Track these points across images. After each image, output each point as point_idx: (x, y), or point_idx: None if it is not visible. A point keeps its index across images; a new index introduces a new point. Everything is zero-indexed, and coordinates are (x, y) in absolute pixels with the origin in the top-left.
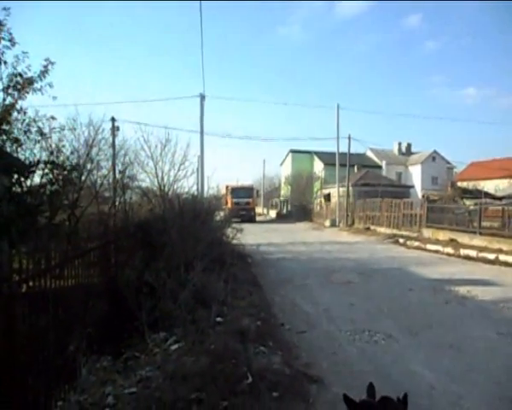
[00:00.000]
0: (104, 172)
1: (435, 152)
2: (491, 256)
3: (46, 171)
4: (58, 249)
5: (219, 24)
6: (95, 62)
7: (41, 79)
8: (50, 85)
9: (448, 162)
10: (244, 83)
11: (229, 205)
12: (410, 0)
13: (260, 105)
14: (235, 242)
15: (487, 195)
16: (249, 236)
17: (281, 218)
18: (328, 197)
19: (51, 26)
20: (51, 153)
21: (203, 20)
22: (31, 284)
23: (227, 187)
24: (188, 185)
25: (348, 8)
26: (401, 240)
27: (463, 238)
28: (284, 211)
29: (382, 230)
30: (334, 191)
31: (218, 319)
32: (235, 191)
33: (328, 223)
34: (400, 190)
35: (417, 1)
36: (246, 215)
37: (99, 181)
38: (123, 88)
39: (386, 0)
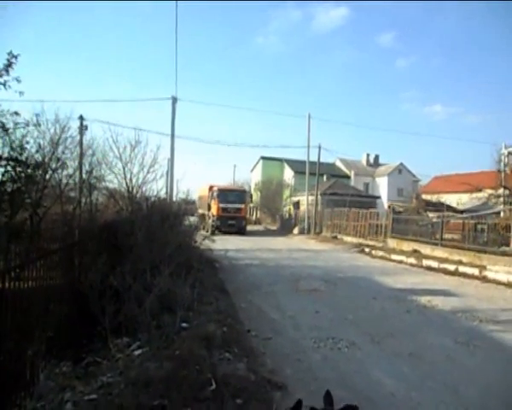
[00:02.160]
0: (70, 171)
1: (401, 165)
2: (452, 267)
3: (8, 168)
4: (18, 250)
5: (196, 29)
6: (70, 62)
7: (6, 74)
8: (18, 80)
9: (413, 175)
10: (219, 89)
11: (215, 211)
12: (384, 18)
13: (232, 111)
14: (203, 247)
15: (449, 208)
16: (217, 241)
17: (250, 224)
18: (297, 205)
19: (28, 26)
20: (14, 149)
21: (180, 23)
22: None
23: (211, 188)
24: (157, 188)
25: (324, 24)
26: (367, 249)
27: (426, 249)
28: (253, 217)
29: (349, 239)
30: (304, 199)
31: (184, 324)
32: (224, 194)
33: (296, 230)
34: (367, 200)
35: (391, 19)
36: (236, 225)
37: (64, 180)
38: (98, 91)
39: (361, 15)
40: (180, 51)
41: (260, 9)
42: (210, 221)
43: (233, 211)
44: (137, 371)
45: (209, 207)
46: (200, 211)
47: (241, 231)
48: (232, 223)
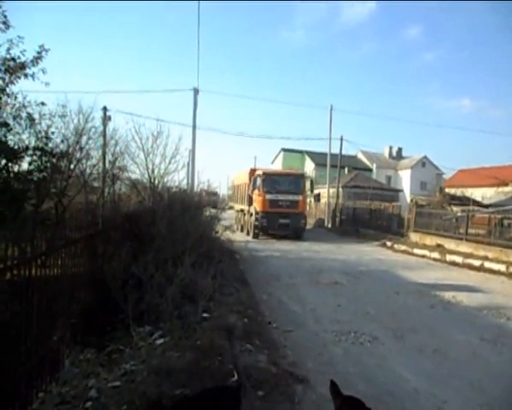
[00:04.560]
0: (94, 161)
1: (425, 157)
2: (477, 263)
3: (34, 157)
4: (44, 238)
5: (219, 22)
6: (94, 54)
7: (34, 65)
8: (43, 71)
9: (437, 168)
10: (241, 80)
11: (260, 206)
12: (412, 11)
13: (254, 102)
14: (223, 238)
15: (475, 202)
16: (238, 232)
17: None
18: (317, 198)
19: (51, 19)
20: (40, 139)
21: (203, 15)
22: (15, 271)
23: (253, 172)
24: (178, 179)
25: (351, 16)
26: (389, 243)
27: (450, 244)
28: None
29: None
30: (324, 192)
31: (205, 314)
32: (272, 181)
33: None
34: (389, 193)
35: (419, 13)
36: (290, 226)
37: (88, 170)
38: (121, 82)
39: (388, 9)
40: (203, 43)
41: (288, 4)
42: (252, 219)
43: (286, 205)
44: (160, 360)
45: (250, 201)
46: (237, 207)
47: (297, 234)
48: (285, 222)
